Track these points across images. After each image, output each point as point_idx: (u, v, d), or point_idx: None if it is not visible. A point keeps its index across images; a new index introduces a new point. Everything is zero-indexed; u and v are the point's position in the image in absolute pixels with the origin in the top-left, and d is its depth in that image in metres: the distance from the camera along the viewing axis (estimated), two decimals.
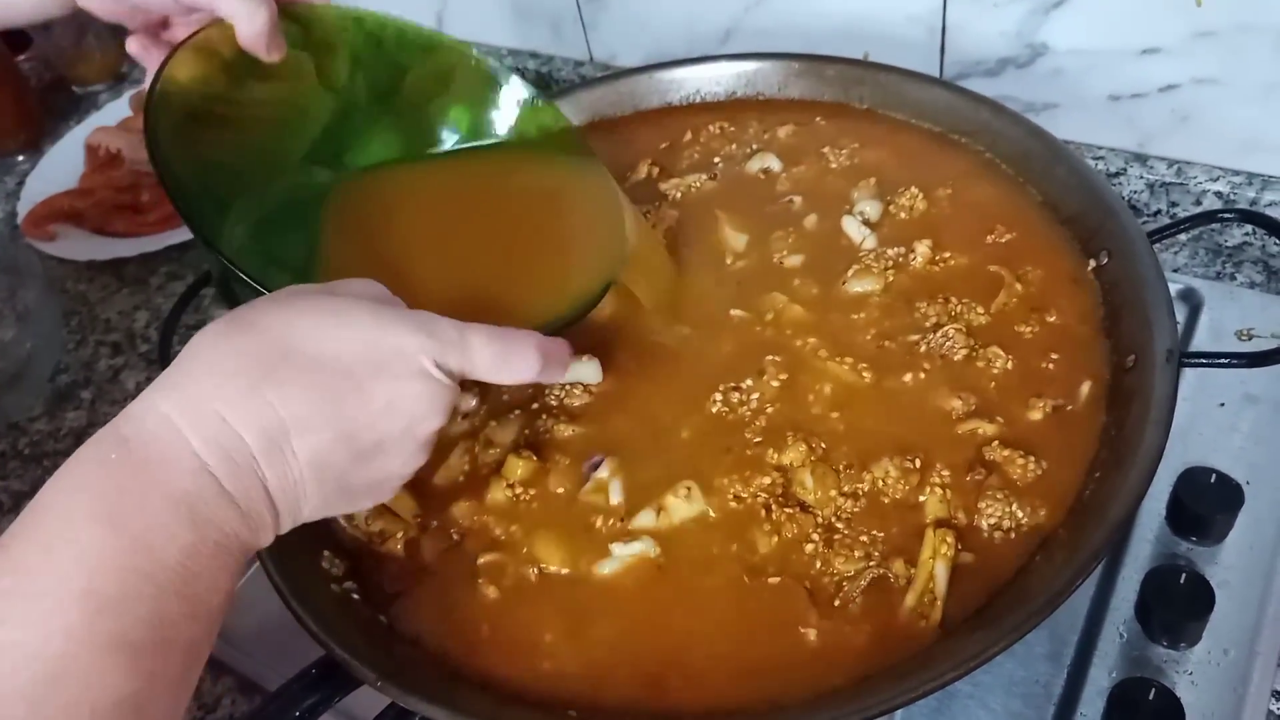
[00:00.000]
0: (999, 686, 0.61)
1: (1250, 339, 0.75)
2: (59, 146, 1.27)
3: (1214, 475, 0.66)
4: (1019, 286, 0.64)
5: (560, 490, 0.60)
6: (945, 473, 0.56)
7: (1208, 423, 0.71)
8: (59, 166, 1.23)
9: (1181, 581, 0.62)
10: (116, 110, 1.30)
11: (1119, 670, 0.61)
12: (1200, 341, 0.76)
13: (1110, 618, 0.63)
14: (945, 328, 0.62)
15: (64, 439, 0.93)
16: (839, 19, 0.92)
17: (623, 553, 0.55)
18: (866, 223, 0.70)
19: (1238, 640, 0.61)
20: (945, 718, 0.61)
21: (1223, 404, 0.72)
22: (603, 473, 0.59)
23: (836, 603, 0.52)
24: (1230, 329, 0.76)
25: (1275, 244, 0.82)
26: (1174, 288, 0.81)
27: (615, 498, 0.58)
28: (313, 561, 0.59)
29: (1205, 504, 0.65)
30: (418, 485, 0.62)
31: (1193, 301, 0.79)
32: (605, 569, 0.56)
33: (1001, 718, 0.60)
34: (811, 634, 0.51)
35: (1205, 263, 0.84)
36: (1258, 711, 0.58)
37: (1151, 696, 0.58)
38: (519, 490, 0.60)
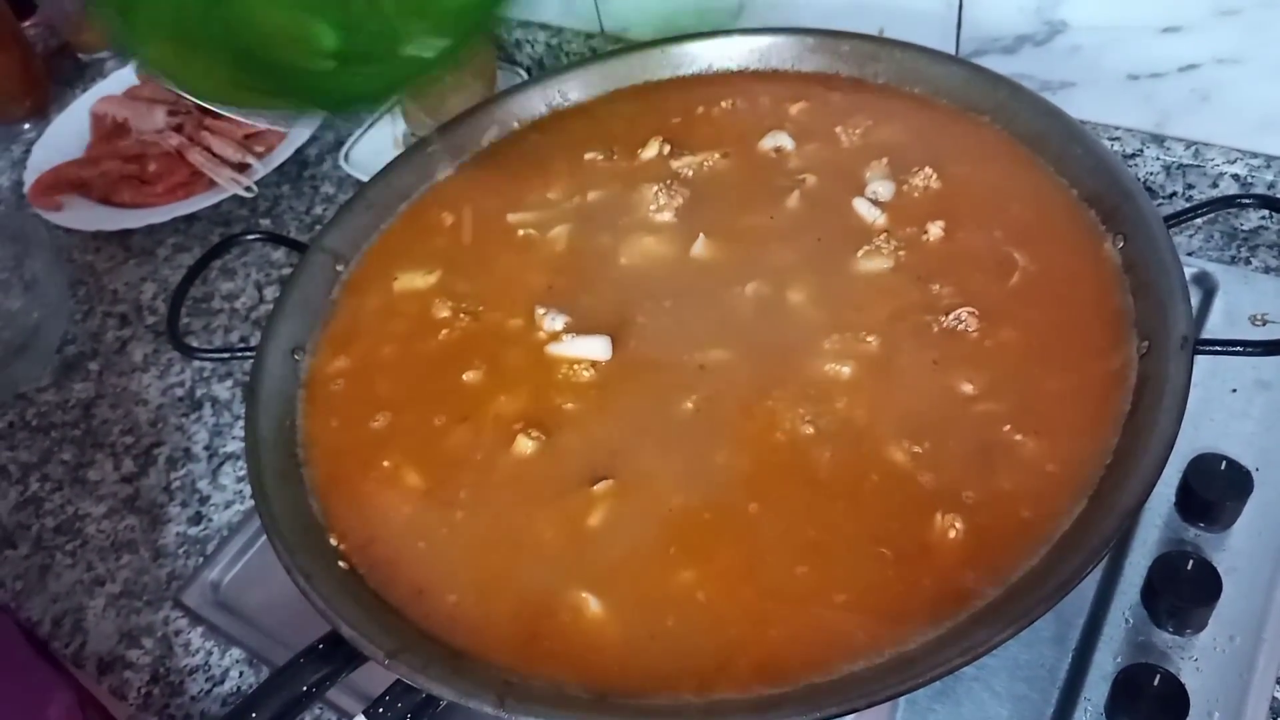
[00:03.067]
0: (1004, 669, 0.62)
1: (1265, 324, 0.74)
2: (65, 114, 1.26)
3: (1224, 461, 0.65)
4: (1034, 268, 0.64)
5: (561, 471, 0.60)
6: (956, 455, 0.56)
7: (1219, 408, 0.70)
8: (65, 135, 1.23)
9: (1189, 567, 0.61)
10: (122, 78, 1.29)
11: (1124, 655, 0.61)
12: (1214, 325, 0.76)
13: (1117, 602, 0.63)
14: (959, 309, 0.62)
15: (71, 410, 0.94)
16: None
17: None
18: (878, 202, 0.70)
19: (1244, 627, 0.60)
20: (950, 700, 0.61)
21: (1234, 389, 0.71)
22: (598, 488, 0.58)
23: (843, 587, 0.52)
24: (1244, 313, 0.75)
25: None
26: (1188, 271, 0.80)
27: (595, 520, 0.57)
28: (320, 539, 0.59)
29: (1214, 490, 0.65)
30: (423, 458, 0.62)
31: (1207, 285, 0.79)
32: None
33: (1006, 701, 0.60)
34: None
35: (1220, 246, 0.83)
36: (1262, 698, 0.58)
37: (1156, 682, 0.58)
38: (528, 467, 0.60)
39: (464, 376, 0.66)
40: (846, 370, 0.60)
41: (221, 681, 0.72)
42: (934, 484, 0.55)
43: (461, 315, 0.69)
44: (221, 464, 0.86)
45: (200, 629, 0.75)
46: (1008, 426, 0.56)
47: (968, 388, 0.58)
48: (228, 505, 0.83)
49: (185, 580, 0.79)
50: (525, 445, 0.61)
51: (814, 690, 0.48)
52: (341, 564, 0.58)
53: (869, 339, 0.62)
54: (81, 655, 0.76)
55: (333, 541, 0.59)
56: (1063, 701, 0.60)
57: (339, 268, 0.75)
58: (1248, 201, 0.62)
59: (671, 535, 0.56)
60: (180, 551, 0.81)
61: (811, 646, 0.50)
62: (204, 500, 0.84)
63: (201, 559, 0.80)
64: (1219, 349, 0.55)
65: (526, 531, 0.58)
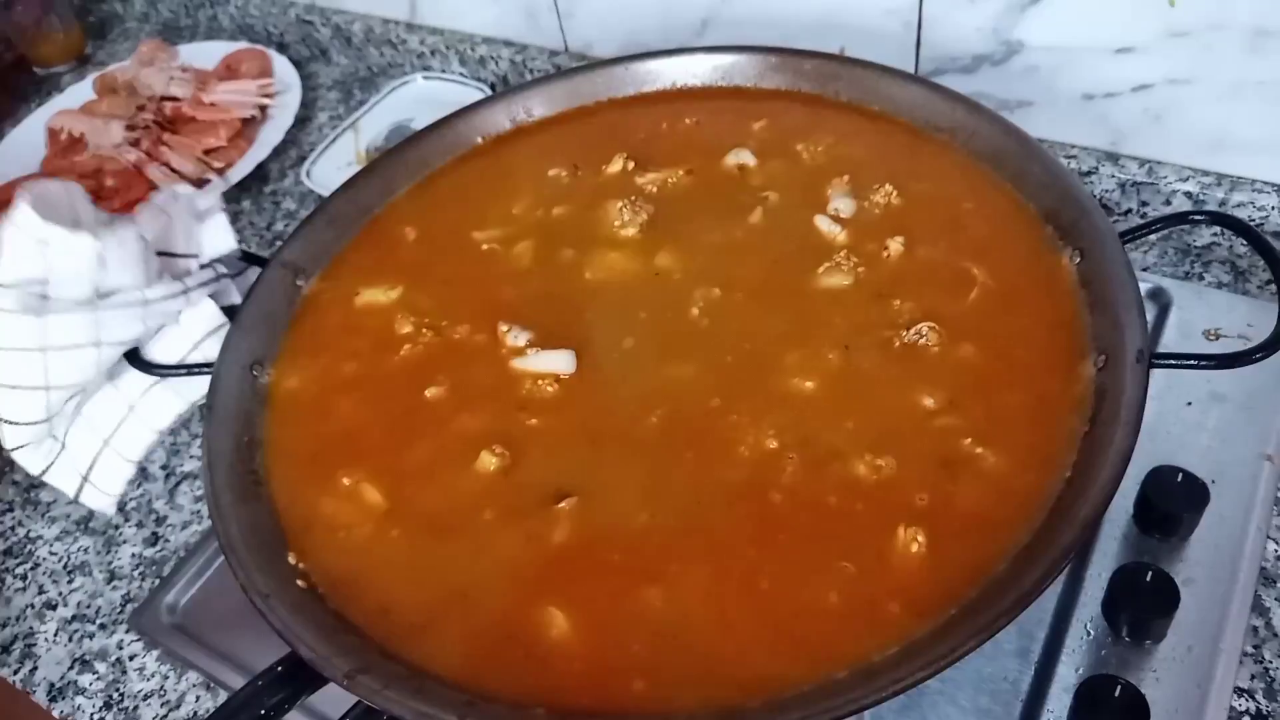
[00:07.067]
0: (967, 683, 0.62)
1: (1218, 339, 0.76)
2: (20, 129, 1.25)
3: (1181, 474, 0.66)
4: (992, 284, 0.64)
5: (525, 488, 0.59)
6: (918, 469, 0.56)
7: (1175, 421, 0.72)
8: (19, 149, 1.21)
9: (1148, 579, 0.62)
10: (79, 93, 1.28)
11: (1086, 667, 0.61)
12: (1169, 340, 0.77)
13: (1077, 615, 0.64)
14: (919, 325, 0.62)
15: None
16: (816, 10, 0.92)
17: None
18: (839, 219, 0.70)
19: (1202, 637, 0.61)
20: (915, 714, 0.61)
21: (1190, 403, 0.72)
22: (562, 505, 0.58)
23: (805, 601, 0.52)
24: (1198, 328, 0.77)
25: (1243, 244, 0.83)
26: (1143, 287, 0.81)
27: (558, 537, 0.57)
28: (278, 558, 0.58)
29: (1172, 502, 0.66)
30: (384, 476, 0.62)
31: (1161, 301, 0.80)
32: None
33: (970, 714, 0.61)
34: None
35: (1174, 262, 0.84)
36: (1220, 707, 0.59)
37: (1117, 693, 0.58)
38: (492, 484, 0.59)
39: (426, 393, 0.65)
40: (809, 385, 0.61)
41: (178, 706, 0.71)
42: (896, 498, 0.55)
43: (424, 331, 0.69)
44: (179, 484, 0.85)
45: (156, 653, 0.74)
46: (968, 440, 0.57)
47: (929, 402, 0.59)
48: (185, 526, 0.81)
49: (140, 603, 0.77)
50: (489, 462, 0.60)
51: (775, 705, 0.47)
52: (300, 583, 0.57)
53: (830, 354, 0.62)
54: (32, 681, 0.74)
55: (291, 560, 0.58)
56: (1026, 714, 0.60)
57: (299, 282, 0.74)
58: (1199, 218, 0.63)
59: (636, 552, 0.55)
60: (135, 573, 0.79)
61: (774, 661, 0.50)
62: (160, 521, 0.82)
63: (157, 581, 0.78)
64: (1173, 363, 0.55)
65: (490, 549, 0.57)
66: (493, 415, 0.63)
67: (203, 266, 0.70)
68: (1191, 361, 0.55)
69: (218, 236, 0.70)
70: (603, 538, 0.56)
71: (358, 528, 0.59)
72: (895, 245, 0.67)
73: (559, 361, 0.64)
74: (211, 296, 0.69)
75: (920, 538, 0.53)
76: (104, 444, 0.67)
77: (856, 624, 0.51)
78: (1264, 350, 0.53)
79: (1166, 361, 0.55)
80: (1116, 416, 0.53)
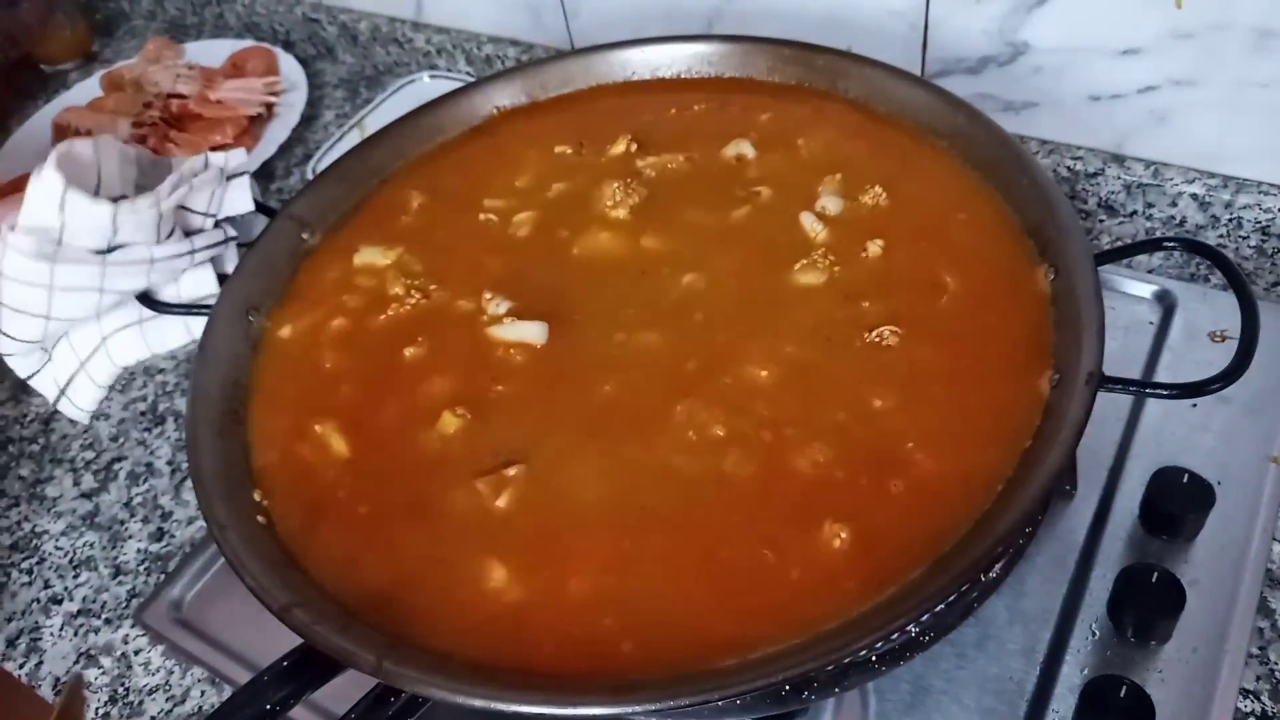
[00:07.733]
0: (973, 682, 0.62)
1: (1223, 340, 0.76)
2: (26, 126, 1.25)
3: (1186, 475, 0.67)
4: (963, 293, 0.64)
5: (479, 450, 0.60)
6: (855, 468, 0.56)
7: (1180, 423, 0.72)
8: (26, 147, 1.21)
9: (1153, 580, 0.62)
10: (86, 90, 1.28)
11: (1091, 667, 0.61)
12: (1174, 342, 0.77)
13: (1083, 615, 0.64)
14: (882, 327, 0.62)
15: (30, 424, 0.92)
16: (821, 10, 0.92)
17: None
18: (825, 217, 0.70)
19: (1207, 638, 0.61)
20: (920, 713, 0.61)
21: (1195, 404, 0.73)
22: (509, 471, 0.59)
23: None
24: (1204, 330, 0.77)
25: (1249, 246, 0.83)
26: (1149, 289, 0.81)
27: (502, 502, 0.57)
28: (243, 494, 0.59)
29: (1177, 503, 0.66)
30: (352, 427, 0.63)
31: (1167, 303, 0.80)
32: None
33: (975, 714, 0.61)
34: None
35: (1180, 264, 0.84)
36: (1225, 709, 0.59)
37: (1122, 694, 0.59)
38: (450, 445, 0.61)
39: (405, 352, 0.66)
40: (764, 376, 0.61)
41: (182, 701, 0.71)
42: (829, 493, 0.55)
43: (413, 293, 0.70)
44: (184, 479, 0.85)
45: (161, 648, 0.74)
46: (910, 444, 0.56)
47: (878, 403, 0.59)
48: (190, 521, 0.82)
49: (146, 598, 0.77)
50: (450, 423, 0.61)
51: (669, 681, 0.48)
52: (260, 519, 0.58)
53: (790, 348, 0.62)
54: (37, 675, 0.74)
55: (256, 497, 0.59)
56: (1031, 713, 0.60)
57: (305, 235, 0.75)
58: (1172, 245, 0.62)
59: (573, 522, 0.56)
60: (141, 569, 0.79)
61: (683, 641, 0.50)
62: (166, 516, 0.82)
63: (163, 576, 0.78)
64: (1121, 388, 0.54)
65: (438, 505, 0.58)
66: (463, 379, 0.64)
67: (216, 224, 0.74)
68: (1148, 390, 0.54)
69: (238, 197, 0.75)
70: (544, 506, 0.57)
71: (320, 473, 0.61)
72: (874, 247, 0.67)
73: (531, 332, 0.65)
74: (212, 260, 0.73)
75: (844, 534, 0.53)
76: (80, 365, 0.75)
77: (764, 611, 0.51)
78: (1222, 380, 0.52)
79: (1113, 386, 0.54)
80: (1056, 435, 0.53)
